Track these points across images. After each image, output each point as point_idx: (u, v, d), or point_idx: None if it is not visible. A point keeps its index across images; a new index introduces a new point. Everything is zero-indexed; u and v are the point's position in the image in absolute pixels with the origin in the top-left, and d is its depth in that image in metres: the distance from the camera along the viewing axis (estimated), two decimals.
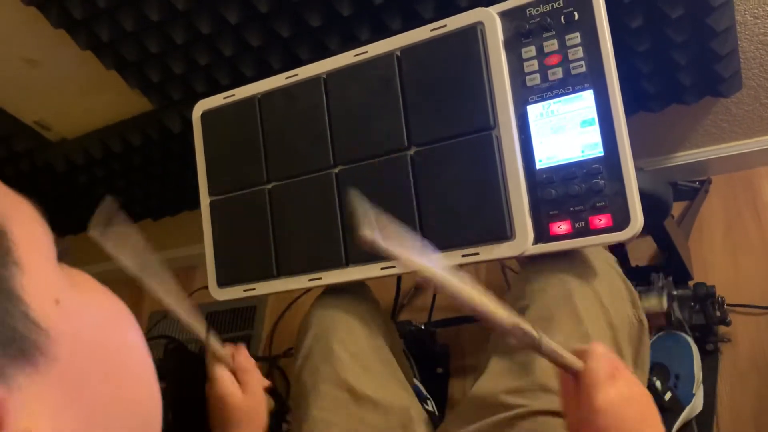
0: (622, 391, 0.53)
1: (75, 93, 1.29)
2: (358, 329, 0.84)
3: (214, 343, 0.75)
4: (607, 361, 0.55)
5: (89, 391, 0.29)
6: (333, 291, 0.90)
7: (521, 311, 0.75)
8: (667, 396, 0.98)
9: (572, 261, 0.76)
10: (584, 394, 0.53)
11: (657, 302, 1.06)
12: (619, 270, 0.80)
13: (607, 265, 0.79)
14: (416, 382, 1.12)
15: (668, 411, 0.98)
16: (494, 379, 0.73)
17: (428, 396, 1.10)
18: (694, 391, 1.02)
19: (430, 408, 1.06)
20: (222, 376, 0.75)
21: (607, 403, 0.52)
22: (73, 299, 0.30)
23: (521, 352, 0.72)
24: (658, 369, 1.03)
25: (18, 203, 0.30)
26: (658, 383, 0.97)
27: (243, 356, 0.77)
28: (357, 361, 0.81)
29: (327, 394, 0.79)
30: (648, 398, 0.55)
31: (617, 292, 0.76)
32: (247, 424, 0.74)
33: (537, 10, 0.75)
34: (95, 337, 0.31)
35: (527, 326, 0.52)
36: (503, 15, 0.76)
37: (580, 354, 0.56)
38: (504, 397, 0.70)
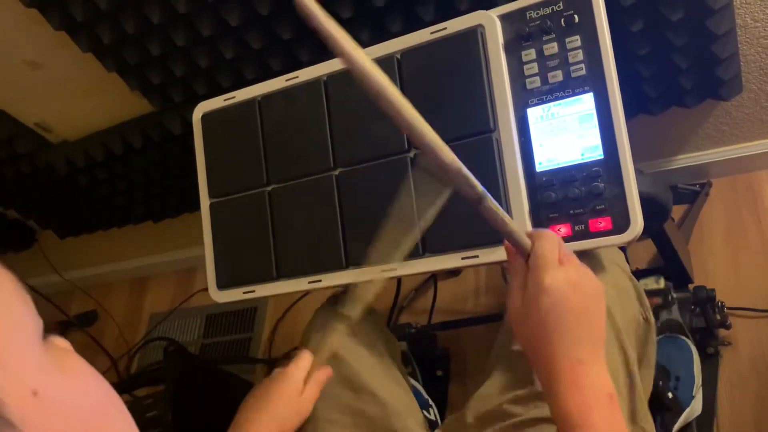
0: (570, 275, 0.53)
1: (76, 95, 1.30)
2: (360, 335, 0.85)
3: (333, 339, 0.74)
4: (558, 246, 0.54)
5: None
6: (334, 303, 0.91)
7: None
8: (668, 396, 0.98)
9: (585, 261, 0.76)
10: (531, 274, 0.53)
11: (653, 281, 1.06)
12: (626, 267, 0.80)
13: (612, 264, 0.79)
14: (418, 386, 1.12)
15: (669, 410, 0.98)
16: (497, 387, 0.74)
17: (431, 403, 1.10)
18: (693, 394, 1.02)
19: (432, 417, 1.06)
20: (304, 364, 0.74)
21: (553, 285, 0.51)
22: (55, 387, 0.29)
23: (522, 360, 0.72)
24: (658, 370, 1.03)
25: (5, 278, 0.29)
26: (659, 384, 0.98)
27: (326, 376, 0.77)
28: (359, 363, 0.82)
29: (331, 394, 0.79)
30: (595, 289, 0.54)
31: (623, 291, 0.76)
32: (282, 419, 0.72)
33: (537, 13, 0.75)
34: (75, 427, 0.30)
35: (473, 178, 0.50)
36: (503, 18, 0.77)
37: (531, 235, 0.55)
38: (506, 405, 0.70)
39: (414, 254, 0.78)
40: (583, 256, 0.75)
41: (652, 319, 0.77)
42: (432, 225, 0.78)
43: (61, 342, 0.32)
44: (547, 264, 0.52)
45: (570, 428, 0.49)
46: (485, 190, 0.51)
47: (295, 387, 0.73)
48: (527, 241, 0.55)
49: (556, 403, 0.51)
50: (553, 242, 0.54)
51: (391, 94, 0.45)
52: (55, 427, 0.29)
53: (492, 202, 0.52)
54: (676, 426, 0.99)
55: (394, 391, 0.83)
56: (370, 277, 0.71)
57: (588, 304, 0.53)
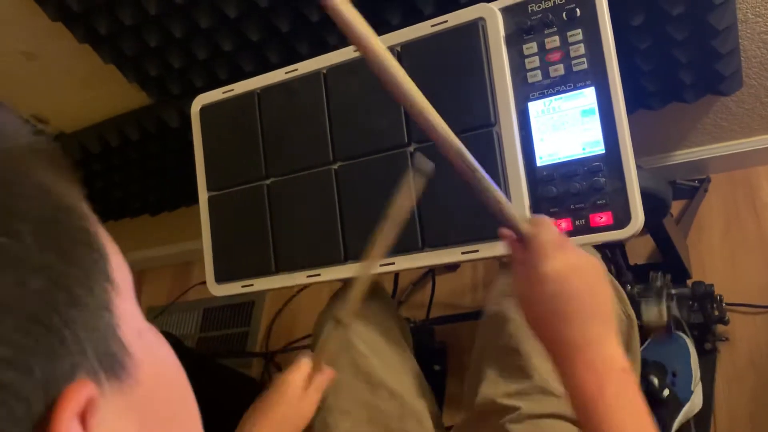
0: (570, 259, 0.53)
1: (73, 87, 1.29)
2: (374, 325, 0.85)
3: (327, 345, 0.75)
4: (556, 232, 0.55)
5: (158, 420, 0.30)
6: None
7: (507, 312, 0.75)
8: (665, 392, 0.98)
9: None
10: (532, 260, 0.53)
11: (657, 314, 1.05)
12: (603, 265, 0.80)
13: None
14: None
15: (667, 407, 0.98)
16: (491, 385, 0.74)
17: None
18: (692, 389, 1.02)
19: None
20: (303, 369, 0.74)
21: (555, 270, 0.52)
22: (152, 338, 0.32)
23: (513, 356, 0.72)
24: (654, 367, 1.03)
25: (112, 241, 0.32)
26: (655, 380, 0.98)
27: (327, 380, 0.76)
28: (374, 352, 0.82)
29: (343, 383, 0.79)
30: (596, 269, 0.55)
31: None
32: (283, 424, 0.73)
33: (539, 6, 0.74)
34: (167, 373, 0.32)
35: (469, 155, 0.51)
36: (505, 11, 0.76)
37: (528, 222, 0.56)
38: (502, 401, 0.70)
39: (413, 248, 0.78)
40: None
41: (633, 314, 0.78)
42: (432, 220, 0.78)
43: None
44: (548, 251, 0.53)
45: (584, 406, 0.50)
46: (483, 171, 0.52)
47: (295, 392, 0.73)
48: (524, 225, 0.55)
49: (571, 383, 0.52)
50: (550, 228, 0.55)
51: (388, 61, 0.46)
52: (156, 369, 0.31)
53: (487, 179, 0.52)
54: (677, 422, 0.99)
55: (409, 384, 0.83)
56: (355, 275, 0.71)
57: (592, 284, 0.54)
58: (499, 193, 0.53)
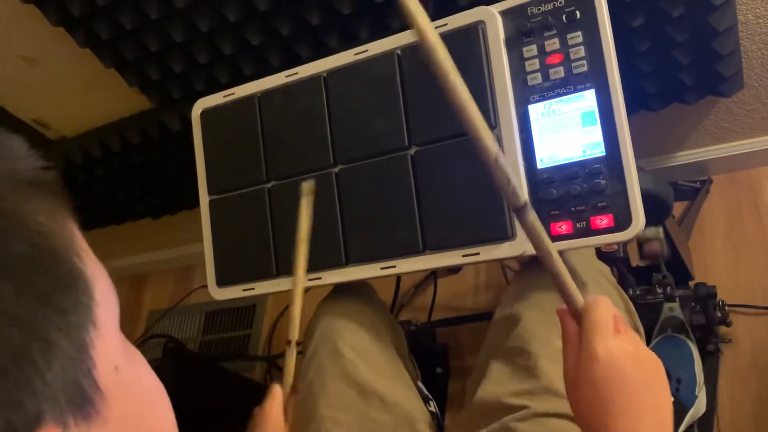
0: (626, 347, 0.49)
1: (74, 91, 1.29)
2: (364, 331, 0.84)
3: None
4: (613, 315, 0.51)
5: None
6: (338, 292, 0.90)
7: (517, 315, 0.75)
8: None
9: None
10: (584, 340, 0.50)
11: (654, 232, 1.05)
12: (613, 279, 0.80)
13: (600, 275, 0.79)
14: (419, 383, 1.11)
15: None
16: (497, 383, 0.73)
17: (430, 396, 1.10)
18: (696, 393, 1.01)
19: (432, 409, 1.05)
20: (278, 396, 0.72)
21: (608, 354, 0.48)
22: (128, 370, 0.32)
23: (521, 356, 0.72)
24: None
25: (100, 267, 0.31)
26: None
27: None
28: (364, 359, 0.81)
29: (335, 392, 0.79)
30: (656, 365, 0.51)
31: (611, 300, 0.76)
32: None
33: (539, 9, 0.74)
34: (141, 407, 0.32)
35: (516, 182, 0.47)
36: (504, 14, 0.76)
37: (585, 299, 0.52)
38: (508, 400, 0.70)
39: (414, 251, 0.78)
40: (569, 265, 0.75)
41: (641, 328, 0.78)
42: (433, 222, 0.78)
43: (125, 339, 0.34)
44: (601, 331, 0.49)
45: None
46: (529, 203, 0.49)
47: (277, 421, 0.72)
48: (581, 299, 0.52)
49: None
50: (608, 308, 0.51)
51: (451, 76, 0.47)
52: (128, 404, 0.31)
53: (534, 215, 0.49)
54: (681, 427, 0.98)
55: (401, 389, 0.82)
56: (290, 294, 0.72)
57: (649, 378, 0.49)
58: (560, 263, 0.51)
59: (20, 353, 0.24)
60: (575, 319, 0.52)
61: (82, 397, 0.27)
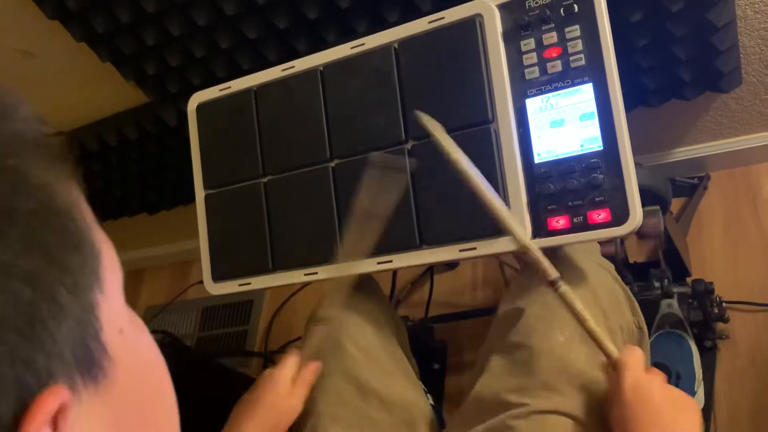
0: (657, 383, 0.56)
1: (70, 85, 1.28)
2: (367, 325, 0.84)
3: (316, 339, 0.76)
4: (643, 362, 0.58)
5: (133, 417, 0.31)
6: None
7: (519, 310, 0.75)
8: None
9: (570, 266, 0.76)
10: (619, 382, 0.57)
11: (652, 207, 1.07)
12: (617, 277, 0.80)
13: (605, 272, 0.78)
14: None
15: None
16: (496, 378, 0.73)
17: (426, 389, 1.10)
18: (696, 389, 1.01)
19: (430, 401, 1.05)
20: (290, 364, 0.75)
21: (640, 390, 0.55)
22: (132, 333, 0.32)
23: (521, 351, 0.71)
24: (659, 369, 1.02)
25: (104, 234, 0.32)
26: None
27: (313, 374, 0.77)
28: (365, 355, 0.81)
29: (333, 388, 0.78)
30: (692, 403, 0.57)
31: (615, 299, 0.76)
32: (270, 420, 0.73)
33: (536, 2, 0.74)
34: (145, 371, 0.33)
35: (545, 262, 0.57)
36: (502, 7, 0.76)
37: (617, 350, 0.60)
38: (507, 396, 0.69)
39: (411, 246, 0.78)
40: (557, 258, 0.76)
41: (645, 327, 0.78)
42: (430, 217, 0.77)
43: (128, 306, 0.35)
44: (633, 371, 0.57)
45: None
46: (562, 279, 0.59)
47: (282, 388, 0.73)
48: (612, 347, 0.60)
49: None
50: (638, 355, 0.59)
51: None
52: (133, 366, 0.31)
53: (567, 289, 0.59)
54: None
55: (402, 387, 0.82)
56: (338, 274, 0.72)
57: (682, 420, 0.56)
58: (592, 323, 0.60)
59: (31, 311, 0.24)
60: (613, 368, 0.61)
61: (90, 359, 0.27)
